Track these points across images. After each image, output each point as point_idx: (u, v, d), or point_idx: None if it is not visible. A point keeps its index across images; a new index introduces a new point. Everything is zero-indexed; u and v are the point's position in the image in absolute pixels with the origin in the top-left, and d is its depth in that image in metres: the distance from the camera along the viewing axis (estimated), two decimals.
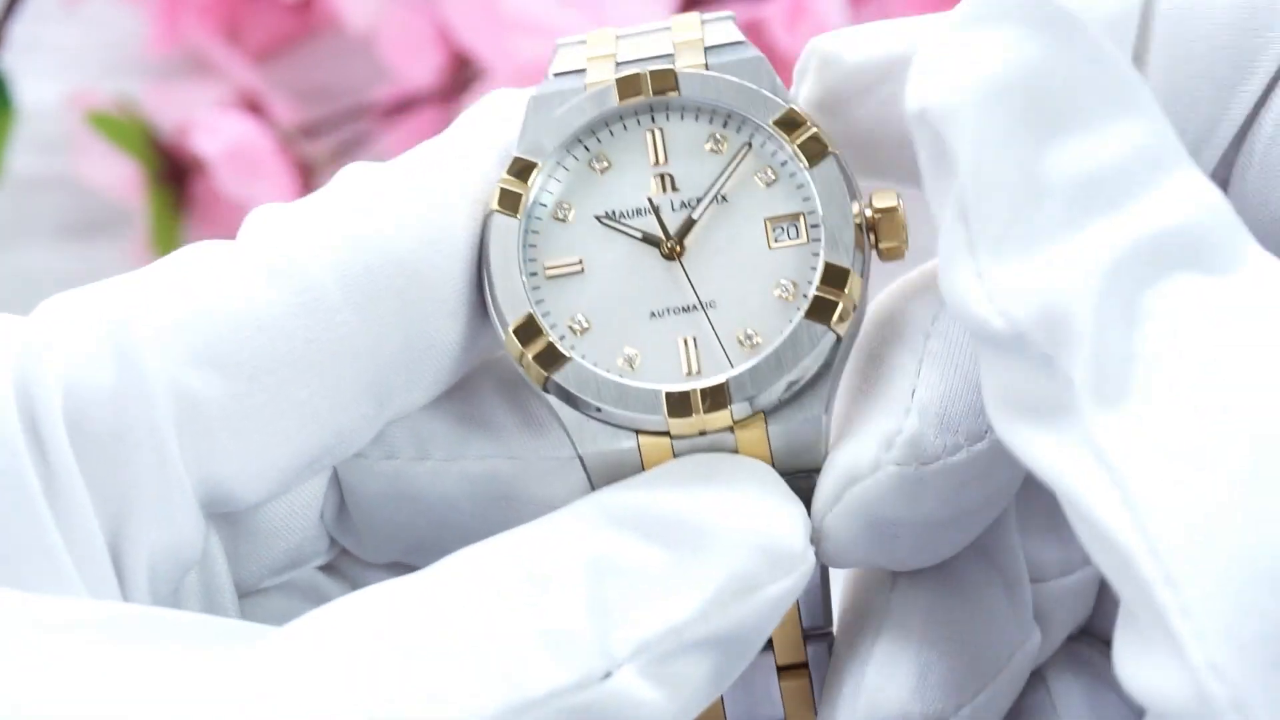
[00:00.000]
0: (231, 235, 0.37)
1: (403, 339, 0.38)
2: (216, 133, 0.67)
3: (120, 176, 0.70)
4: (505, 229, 0.39)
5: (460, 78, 0.71)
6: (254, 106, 0.70)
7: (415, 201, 0.39)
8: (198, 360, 0.37)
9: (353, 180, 0.39)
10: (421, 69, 0.71)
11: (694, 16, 0.41)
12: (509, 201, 0.39)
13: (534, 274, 0.39)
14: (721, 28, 0.41)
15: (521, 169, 0.39)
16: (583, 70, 0.40)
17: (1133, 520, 0.32)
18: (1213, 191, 0.35)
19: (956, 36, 0.35)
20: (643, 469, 0.38)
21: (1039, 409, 0.34)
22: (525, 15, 0.66)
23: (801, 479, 0.38)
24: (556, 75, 0.40)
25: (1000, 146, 0.34)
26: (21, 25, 0.73)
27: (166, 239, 0.69)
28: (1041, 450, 0.34)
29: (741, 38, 0.41)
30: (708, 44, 0.40)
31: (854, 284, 0.39)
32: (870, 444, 0.38)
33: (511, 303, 0.38)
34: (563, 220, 0.39)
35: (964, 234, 0.35)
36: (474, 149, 0.40)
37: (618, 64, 0.40)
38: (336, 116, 0.71)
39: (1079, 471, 0.33)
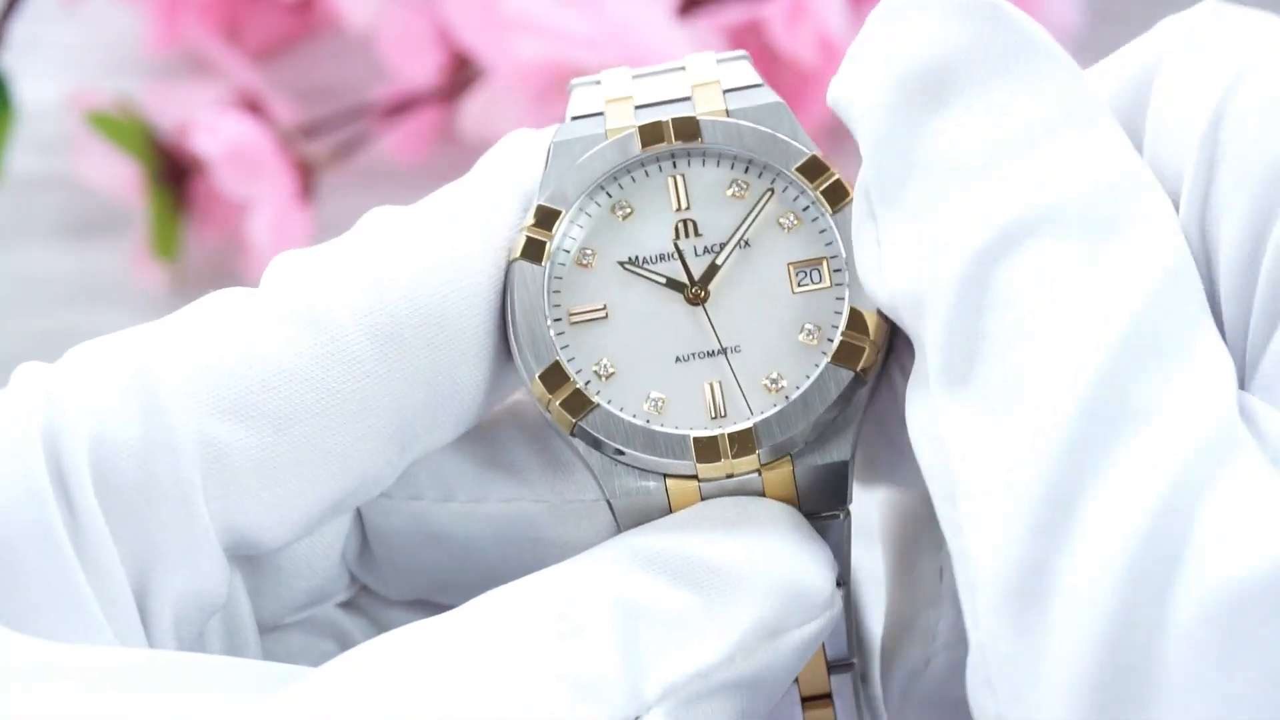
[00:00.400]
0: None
1: (428, 387, 0.39)
2: (216, 133, 0.67)
3: (120, 176, 0.70)
4: (530, 277, 0.39)
5: (460, 78, 0.71)
6: (254, 106, 0.70)
7: (440, 250, 0.39)
8: (223, 411, 0.37)
9: (377, 227, 0.40)
10: (421, 69, 0.71)
11: (709, 57, 0.42)
12: (533, 250, 0.39)
13: (559, 320, 0.39)
14: (738, 69, 0.41)
15: (545, 217, 0.39)
16: (601, 114, 0.41)
17: (956, 518, 0.33)
18: (1117, 160, 0.35)
19: (870, 28, 0.37)
20: (670, 511, 0.38)
21: (919, 380, 0.35)
22: (525, 15, 0.66)
23: (827, 520, 0.39)
24: (575, 119, 0.41)
25: (890, 123, 0.36)
26: (21, 25, 0.73)
27: (166, 239, 0.69)
28: (911, 420, 0.35)
29: (759, 80, 0.41)
30: (725, 86, 0.41)
31: (878, 328, 0.39)
32: (917, 641, 0.40)
33: (537, 351, 0.39)
34: (586, 266, 0.39)
35: (865, 206, 0.36)
36: (496, 197, 0.40)
37: (636, 107, 0.41)
38: (336, 116, 0.71)
39: (927, 451, 0.34)
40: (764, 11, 0.69)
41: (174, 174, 0.70)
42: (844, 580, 0.39)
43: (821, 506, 0.39)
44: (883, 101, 0.36)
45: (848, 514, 0.39)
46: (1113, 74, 0.39)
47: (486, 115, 0.69)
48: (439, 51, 0.70)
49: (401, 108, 0.71)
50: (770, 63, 0.71)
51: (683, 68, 0.42)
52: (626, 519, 0.39)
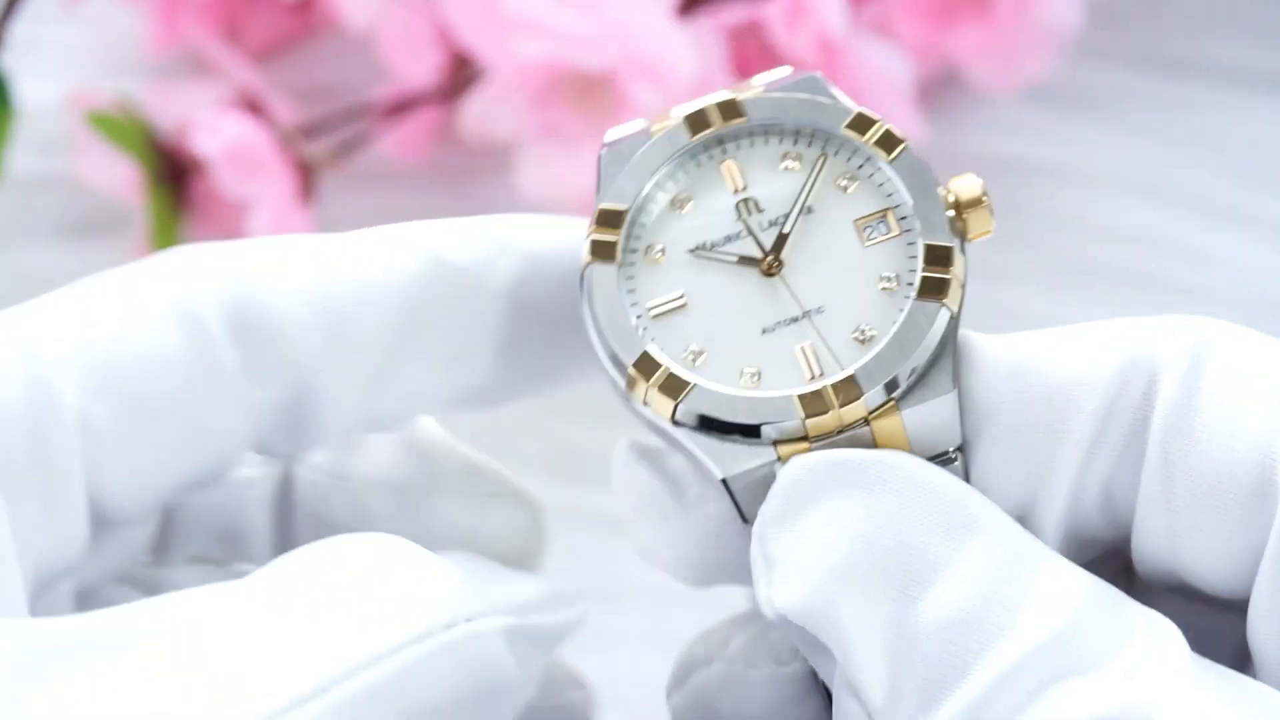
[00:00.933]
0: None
1: (281, 388, 0.40)
2: (216, 133, 0.67)
3: (120, 176, 0.70)
4: (604, 277, 0.39)
5: (460, 78, 0.71)
6: (254, 106, 0.70)
7: (318, 261, 0.40)
8: (97, 389, 0.39)
9: (268, 235, 0.41)
10: (421, 69, 0.71)
11: (755, 79, 0.42)
12: (603, 250, 0.40)
13: (639, 316, 0.39)
14: (776, 71, 0.42)
15: (608, 217, 0.40)
16: (642, 128, 0.41)
17: None
18: (1075, 586, 0.36)
19: (785, 528, 0.36)
20: None
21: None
22: (525, 15, 0.66)
23: (942, 461, 0.39)
24: (613, 142, 0.41)
25: (862, 621, 0.35)
26: (21, 25, 0.73)
27: (166, 239, 0.69)
28: None
29: (789, 70, 0.42)
30: (758, 83, 0.42)
31: (958, 261, 0.39)
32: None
33: (625, 344, 0.39)
34: (656, 262, 0.40)
35: (858, 707, 0.36)
36: (383, 245, 0.41)
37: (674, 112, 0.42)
38: (336, 116, 0.71)
39: None
40: (764, 11, 0.69)
41: (174, 174, 0.70)
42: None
43: (934, 448, 0.39)
44: (845, 601, 0.36)
45: (960, 452, 0.39)
46: (1098, 359, 0.39)
47: (486, 115, 0.69)
48: (439, 51, 0.70)
49: (401, 108, 0.71)
50: (770, 63, 0.71)
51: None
52: (746, 496, 0.38)
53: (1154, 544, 0.38)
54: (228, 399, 0.40)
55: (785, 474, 0.37)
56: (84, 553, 0.40)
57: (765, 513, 0.37)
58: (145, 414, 0.39)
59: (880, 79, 0.71)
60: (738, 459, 0.38)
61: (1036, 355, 0.39)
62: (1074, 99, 0.76)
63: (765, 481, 0.38)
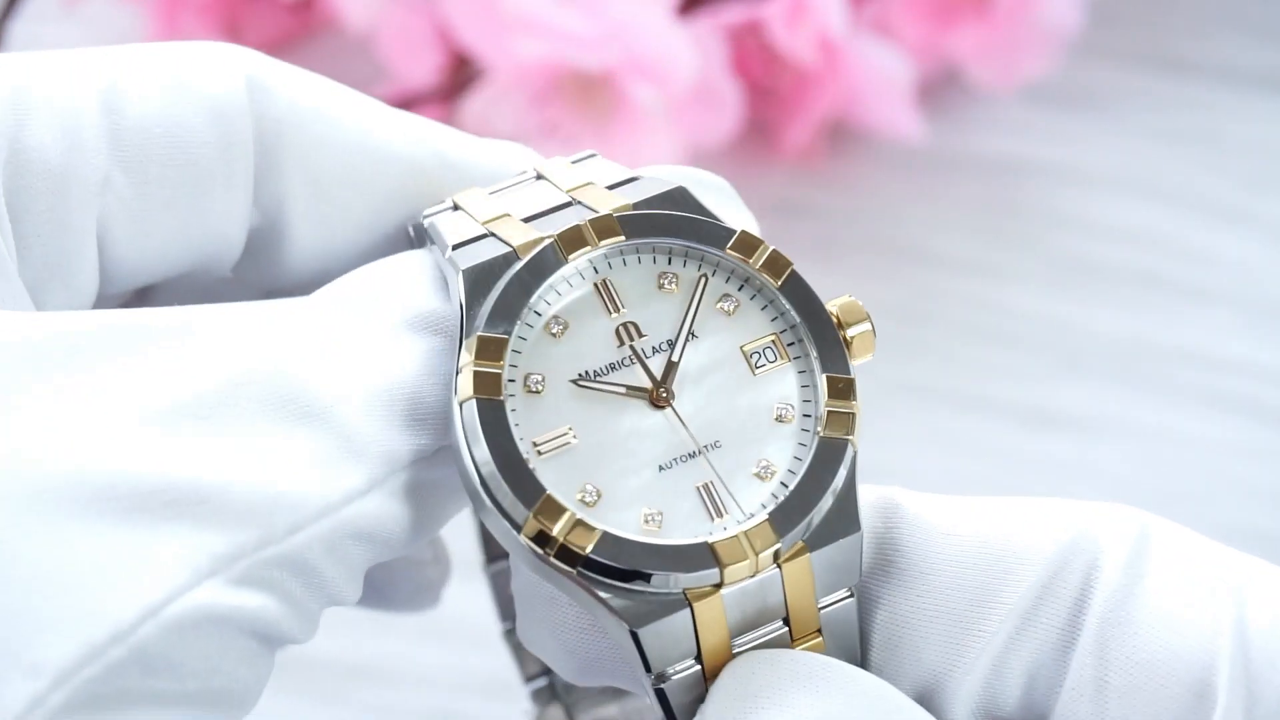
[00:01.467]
0: None
1: (267, 212, 0.41)
2: None
3: None
4: (492, 414, 0.36)
5: (460, 78, 0.71)
6: None
7: (358, 112, 0.42)
8: (125, 158, 0.39)
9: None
10: (421, 69, 0.71)
11: (559, 161, 0.40)
12: (488, 384, 0.36)
13: (527, 455, 0.36)
14: (599, 167, 0.40)
15: (490, 347, 0.37)
16: (488, 234, 0.38)
17: None
18: None
19: None
20: (696, 634, 0.37)
21: None
22: (525, 15, 0.66)
23: (840, 603, 0.37)
24: (459, 246, 0.38)
25: None
26: (21, 25, 0.73)
27: None
28: None
29: (631, 171, 0.39)
30: (606, 183, 0.39)
31: (856, 391, 0.38)
32: None
33: (524, 489, 0.36)
34: (537, 393, 0.37)
35: None
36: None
37: (523, 220, 0.39)
38: None
39: None
40: (764, 11, 0.69)
41: None
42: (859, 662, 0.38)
43: (836, 587, 0.37)
44: None
45: (854, 592, 0.38)
46: (1039, 535, 0.38)
47: (486, 115, 0.69)
48: (439, 51, 0.70)
49: (401, 108, 0.71)
50: (770, 63, 0.71)
51: (538, 176, 0.40)
52: (655, 650, 0.36)
53: None
54: (234, 204, 0.40)
55: (732, 673, 0.36)
56: (88, 302, 0.40)
57: (715, 713, 0.36)
58: (162, 194, 0.39)
59: (880, 79, 0.71)
60: (645, 612, 0.36)
61: (976, 521, 0.38)
62: (1074, 99, 0.76)
63: (675, 633, 0.36)
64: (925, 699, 0.38)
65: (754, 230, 0.40)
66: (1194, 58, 0.78)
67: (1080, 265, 0.72)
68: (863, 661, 0.38)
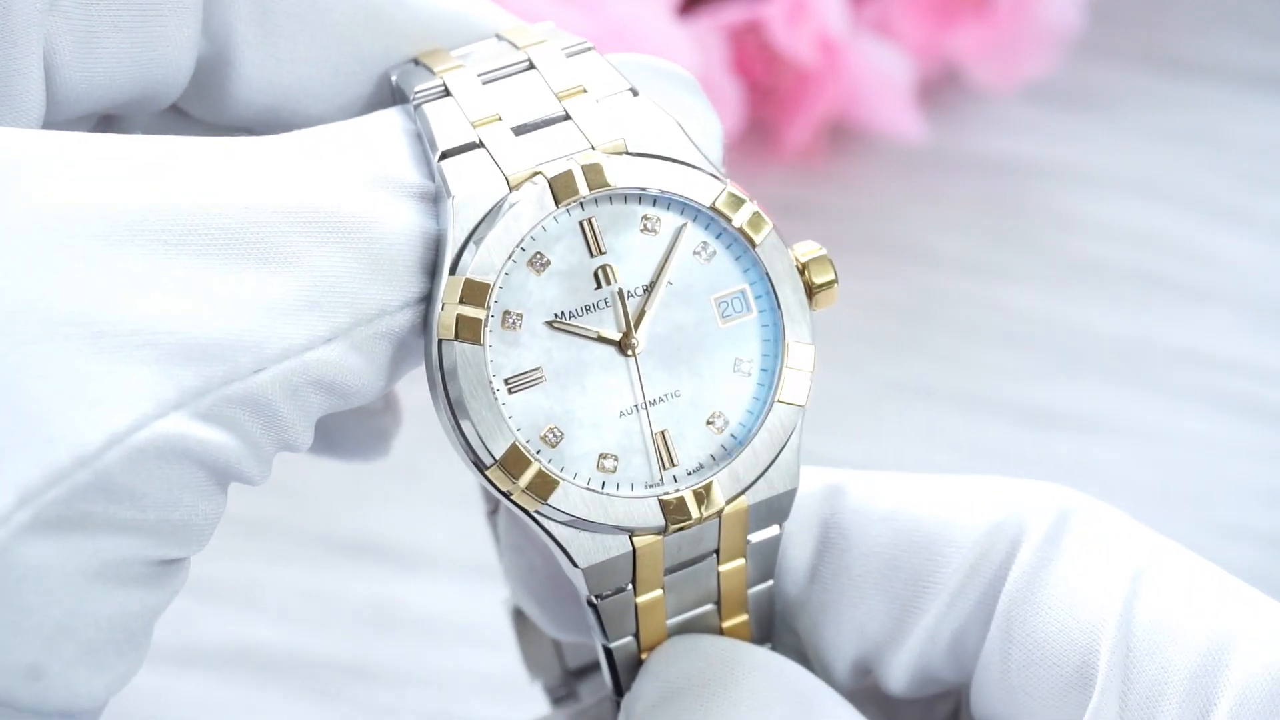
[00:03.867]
0: None
1: (215, 39, 0.40)
2: None
3: None
4: (471, 358, 0.37)
5: None
6: None
7: None
8: None
9: None
10: None
11: (553, 49, 0.41)
12: (470, 329, 0.37)
13: (497, 391, 0.38)
14: (591, 66, 0.40)
15: (475, 291, 0.38)
16: (478, 144, 0.39)
17: None
18: None
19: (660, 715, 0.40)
20: (634, 570, 0.39)
21: None
22: (525, 15, 0.66)
23: (769, 537, 0.40)
24: (449, 153, 0.39)
25: None
26: None
27: None
28: None
29: (623, 81, 0.40)
30: (595, 95, 0.40)
31: (815, 357, 0.39)
32: None
33: (492, 435, 0.38)
34: (513, 329, 0.38)
35: None
36: None
37: (513, 131, 0.39)
38: None
39: None
40: (764, 11, 0.69)
41: None
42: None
43: (766, 524, 0.40)
44: None
45: (783, 529, 0.40)
46: (969, 517, 0.41)
47: None
48: None
49: None
50: (770, 63, 0.71)
51: (528, 63, 0.40)
52: (594, 579, 0.39)
53: (990, 697, 0.40)
54: (182, 26, 0.40)
55: (661, 657, 0.40)
56: (33, 127, 0.39)
57: (637, 702, 0.40)
58: (109, 14, 0.39)
59: (880, 79, 0.71)
60: (590, 550, 0.38)
61: (915, 504, 0.41)
62: (1074, 99, 0.77)
63: (617, 567, 0.39)
64: (866, 664, 0.41)
65: (716, 137, 0.41)
66: (1194, 58, 0.78)
67: (1081, 265, 0.72)
68: (809, 635, 0.42)
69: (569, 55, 0.40)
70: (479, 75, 0.40)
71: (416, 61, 0.41)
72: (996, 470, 0.66)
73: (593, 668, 0.48)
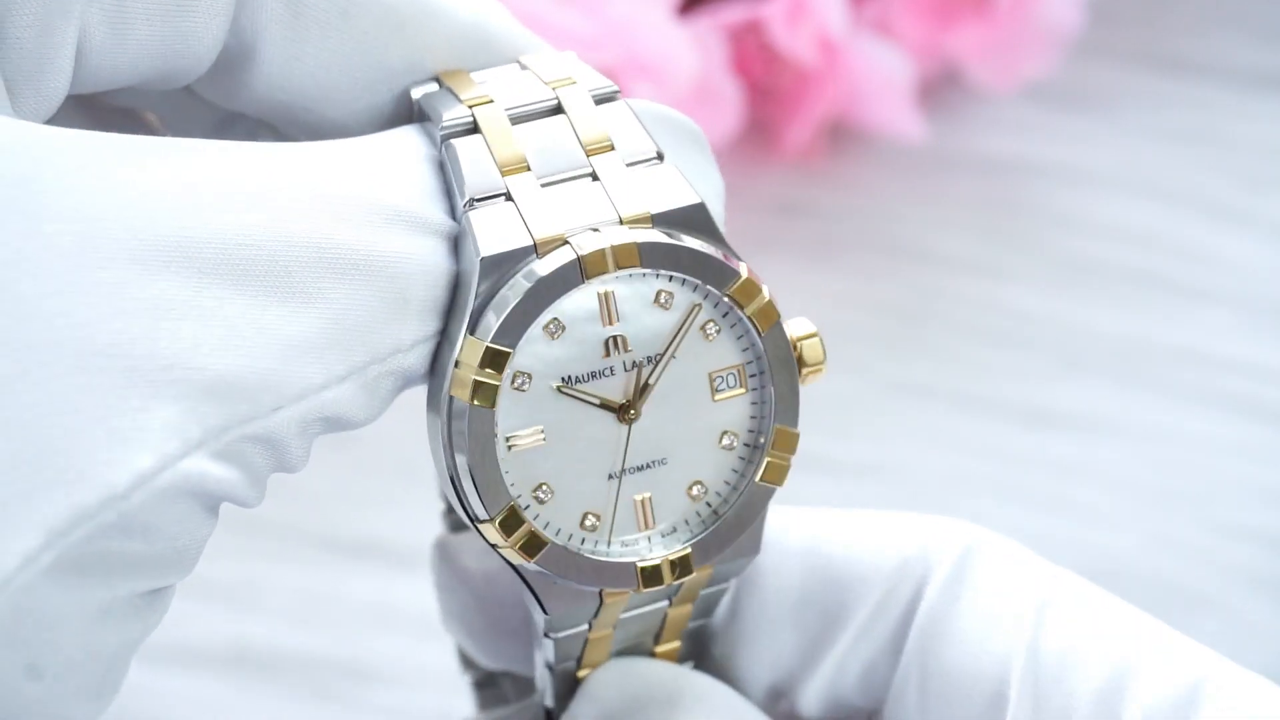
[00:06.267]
0: None
1: (241, 32, 0.40)
2: None
3: None
4: (482, 422, 0.38)
5: None
6: None
7: None
8: None
9: None
10: None
11: (581, 92, 0.40)
12: (486, 395, 0.38)
13: (499, 449, 0.39)
14: (619, 119, 0.40)
15: (495, 358, 0.38)
16: (505, 194, 0.39)
17: None
18: None
19: None
20: (596, 614, 0.41)
21: None
22: (525, 15, 0.66)
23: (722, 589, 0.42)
24: (478, 202, 0.39)
25: None
26: None
27: None
28: None
29: (651, 146, 0.40)
30: (626, 159, 0.40)
31: (797, 445, 0.41)
32: None
33: (494, 495, 0.39)
34: (521, 390, 0.39)
35: None
36: None
37: (541, 184, 0.39)
38: None
39: None
40: (764, 11, 0.69)
41: None
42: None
43: (723, 580, 0.42)
44: None
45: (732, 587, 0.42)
46: (880, 555, 0.43)
47: None
48: None
49: None
50: (770, 63, 0.71)
51: (556, 104, 0.40)
52: (557, 622, 0.41)
53: None
54: (213, 21, 0.40)
55: (598, 681, 0.42)
56: (55, 106, 0.40)
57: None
58: (145, 7, 0.39)
59: (880, 79, 0.71)
60: (561, 600, 0.40)
61: (827, 541, 0.43)
62: (1074, 99, 0.77)
63: (581, 614, 0.41)
64: (780, 690, 0.43)
65: (719, 195, 0.42)
66: (1194, 58, 0.78)
67: (1080, 265, 0.72)
68: (725, 660, 0.43)
69: (597, 102, 0.40)
70: (507, 111, 0.40)
71: (439, 82, 0.41)
72: (997, 470, 0.66)
73: None
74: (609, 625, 0.41)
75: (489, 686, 0.50)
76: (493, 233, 0.38)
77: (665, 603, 0.42)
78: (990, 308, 0.71)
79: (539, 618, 0.41)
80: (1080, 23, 0.73)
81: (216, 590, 0.61)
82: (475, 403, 0.38)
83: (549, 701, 0.43)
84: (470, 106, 0.40)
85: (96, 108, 0.44)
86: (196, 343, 0.35)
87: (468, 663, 0.50)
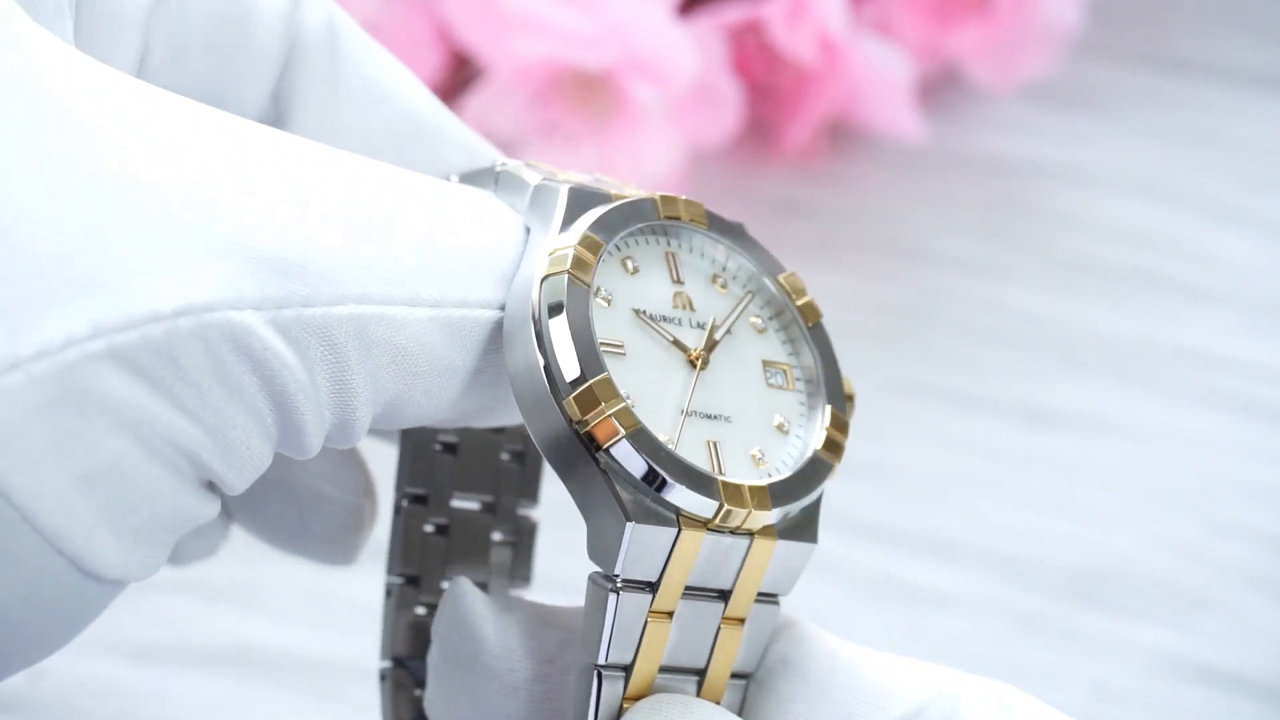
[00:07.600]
0: None
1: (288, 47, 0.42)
2: None
3: None
4: (578, 293, 0.39)
5: (460, 77, 0.71)
6: None
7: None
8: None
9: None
10: (421, 68, 0.71)
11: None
12: (584, 268, 0.39)
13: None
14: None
15: (591, 243, 0.39)
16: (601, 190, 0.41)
17: None
18: None
19: None
20: (668, 559, 0.38)
21: None
22: (525, 14, 0.66)
23: (769, 603, 0.40)
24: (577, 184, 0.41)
25: None
26: None
27: None
28: None
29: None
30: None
31: (849, 431, 0.41)
32: None
33: (589, 362, 0.38)
34: (606, 305, 0.40)
35: None
36: None
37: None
38: None
39: None
40: (764, 11, 0.69)
41: None
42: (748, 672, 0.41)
43: (774, 586, 0.40)
44: None
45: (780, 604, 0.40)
46: (908, 683, 0.41)
47: (486, 114, 0.69)
48: (439, 51, 0.70)
49: None
50: (770, 62, 0.71)
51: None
52: (634, 550, 0.38)
53: None
54: (255, 89, 0.41)
55: (642, 711, 0.39)
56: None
57: None
58: (190, 73, 0.40)
59: (880, 79, 0.71)
60: (645, 511, 0.38)
61: (854, 654, 0.41)
62: (1074, 99, 0.77)
63: (655, 548, 0.38)
64: None
65: None
66: (1194, 58, 0.78)
67: (1081, 265, 0.72)
68: None
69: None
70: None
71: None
72: (997, 470, 0.66)
73: None
74: (670, 602, 0.39)
75: None
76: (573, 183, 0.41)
77: (720, 605, 0.40)
78: (991, 308, 0.71)
79: (610, 549, 0.38)
80: (1080, 22, 0.73)
81: (217, 590, 0.61)
82: (573, 271, 0.39)
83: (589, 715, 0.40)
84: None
85: None
86: (271, 218, 0.36)
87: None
